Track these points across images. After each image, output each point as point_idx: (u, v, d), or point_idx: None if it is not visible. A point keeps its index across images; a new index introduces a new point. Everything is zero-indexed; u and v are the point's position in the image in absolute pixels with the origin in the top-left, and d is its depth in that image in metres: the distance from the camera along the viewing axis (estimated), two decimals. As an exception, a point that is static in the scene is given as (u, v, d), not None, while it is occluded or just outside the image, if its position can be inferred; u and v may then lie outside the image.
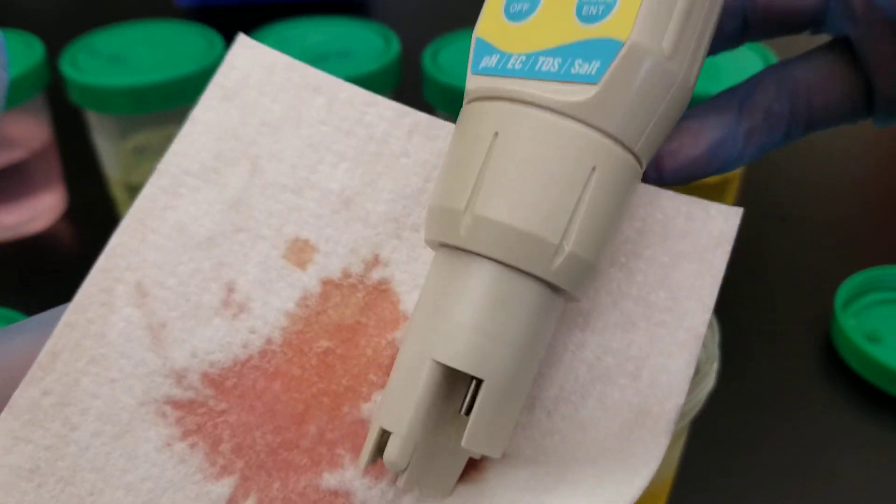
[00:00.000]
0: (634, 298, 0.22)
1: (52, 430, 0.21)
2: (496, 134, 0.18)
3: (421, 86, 0.48)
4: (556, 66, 0.18)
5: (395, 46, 0.49)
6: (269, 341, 0.22)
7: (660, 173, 0.23)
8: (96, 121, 0.49)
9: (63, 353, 0.21)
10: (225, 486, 0.21)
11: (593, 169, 0.18)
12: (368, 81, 0.47)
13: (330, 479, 0.21)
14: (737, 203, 0.51)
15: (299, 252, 0.23)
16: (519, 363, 0.19)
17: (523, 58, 0.19)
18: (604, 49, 0.18)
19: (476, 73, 0.20)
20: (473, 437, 0.18)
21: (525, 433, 0.21)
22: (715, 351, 0.27)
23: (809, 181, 0.58)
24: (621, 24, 0.18)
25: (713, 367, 0.27)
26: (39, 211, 0.54)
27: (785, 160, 0.60)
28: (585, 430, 0.21)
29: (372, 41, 0.50)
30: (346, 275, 0.23)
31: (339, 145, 0.24)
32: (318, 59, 0.48)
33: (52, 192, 0.55)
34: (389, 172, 0.24)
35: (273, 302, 0.23)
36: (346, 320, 0.23)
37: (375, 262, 0.23)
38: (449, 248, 0.19)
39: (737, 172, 0.49)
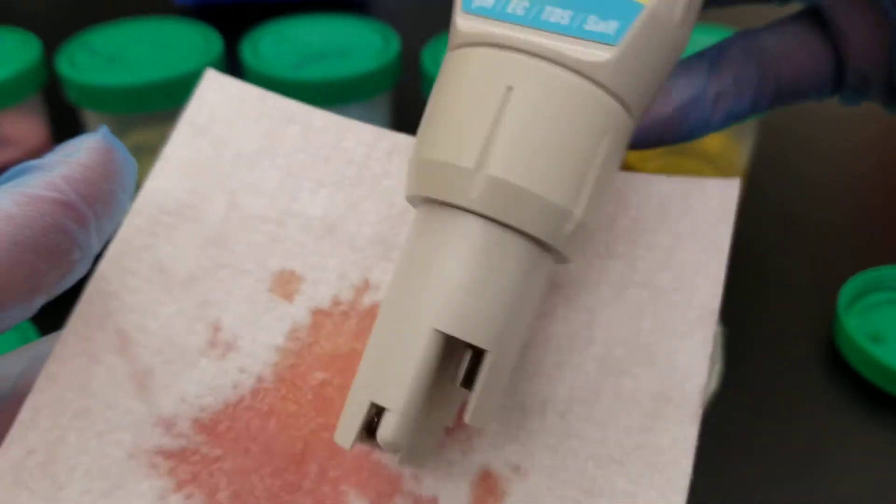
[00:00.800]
0: (638, 285, 0.22)
1: (38, 491, 0.19)
2: (510, 88, 0.17)
3: (420, 84, 0.48)
4: (567, 18, 0.17)
5: (395, 45, 0.49)
6: (260, 379, 0.21)
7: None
8: (93, 120, 0.49)
9: (45, 408, 0.20)
10: None
11: (605, 134, 0.18)
12: (367, 80, 0.47)
13: None
14: (739, 204, 0.51)
15: (285, 284, 0.22)
16: (518, 331, 0.18)
17: (526, 3, 0.17)
18: (622, 9, 0.17)
19: (469, 12, 0.18)
20: (477, 412, 0.17)
21: (540, 440, 0.21)
22: (718, 353, 0.27)
23: (812, 182, 0.57)
24: None
25: (716, 370, 0.27)
26: (36, 211, 0.53)
27: (787, 160, 0.59)
28: (605, 428, 0.21)
29: (371, 40, 0.50)
30: (336, 302, 0.22)
31: (318, 172, 0.23)
32: (316, 58, 0.48)
33: (49, 191, 0.54)
34: (372, 195, 0.23)
35: (261, 338, 0.22)
36: (341, 349, 0.22)
37: (366, 286, 0.22)
38: (440, 204, 0.18)
39: (740, 173, 0.49)
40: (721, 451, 0.38)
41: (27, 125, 0.52)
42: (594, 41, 0.17)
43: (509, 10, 0.17)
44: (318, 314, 0.22)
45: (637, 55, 0.17)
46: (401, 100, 0.53)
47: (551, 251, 0.18)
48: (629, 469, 0.20)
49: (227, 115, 0.24)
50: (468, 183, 0.17)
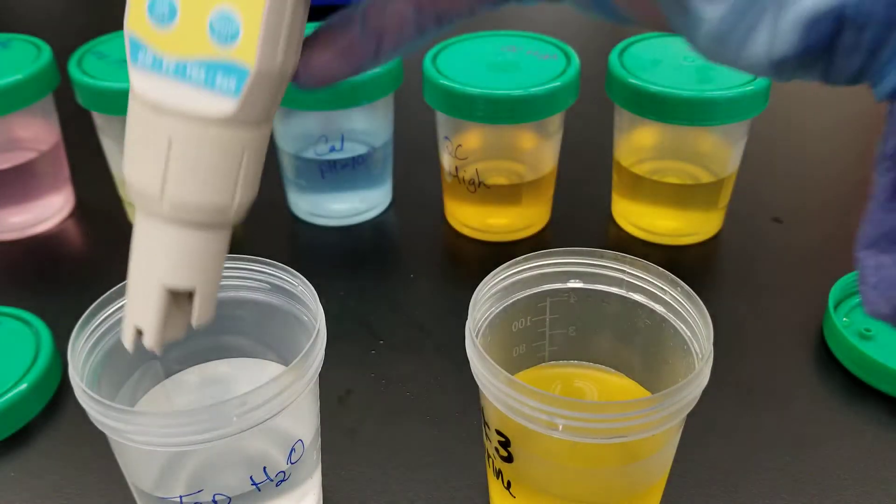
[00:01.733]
0: None
1: None
2: (170, 140, 0.23)
3: (421, 88, 0.49)
4: (203, 75, 0.22)
5: (397, 50, 0.50)
6: None
7: (297, 81, 0.24)
8: (103, 122, 0.50)
9: None
10: None
11: (244, 149, 0.23)
12: (371, 84, 0.48)
13: None
14: (731, 203, 0.52)
15: None
16: (215, 269, 0.26)
17: (174, 64, 0.22)
18: (237, 70, 0.22)
19: (136, 66, 0.23)
20: (199, 317, 0.25)
21: None
22: (709, 348, 0.28)
23: (802, 182, 0.58)
24: (247, 49, 0.22)
25: (707, 365, 0.28)
26: (47, 211, 0.55)
27: (778, 161, 0.60)
28: None
29: (374, 44, 0.51)
30: None
31: None
32: (321, 63, 0.49)
33: (59, 192, 0.55)
34: None
35: None
36: None
37: None
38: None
39: (731, 174, 0.50)
40: (711, 445, 0.39)
41: (39, 127, 0.53)
42: (224, 94, 0.22)
43: (164, 67, 0.22)
44: None
45: (255, 96, 0.23)
46: (403, 103, 0.54)
47: (227, 226, 0.25)
48: None
49: None
50: (158, 204, 0.24)
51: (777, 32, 0.18)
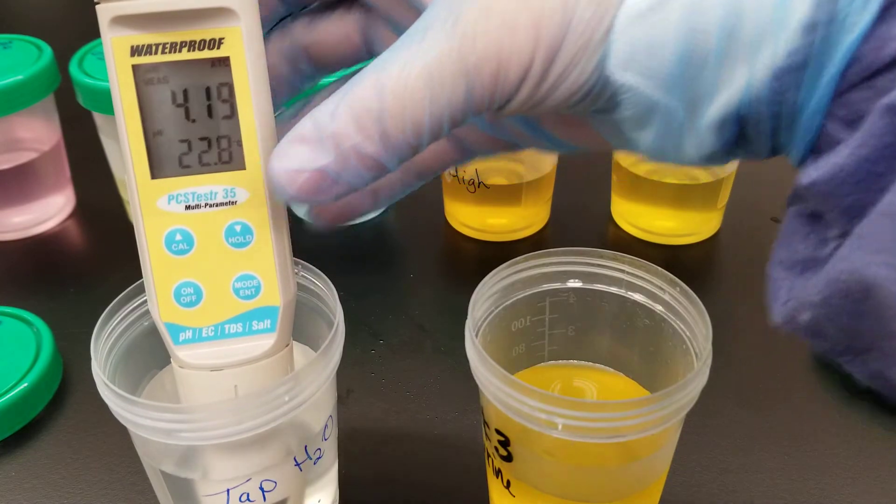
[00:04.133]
0: None
1: None
2: (236, 387, 0.27)
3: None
4: (241, 328, 0.26)
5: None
6: None
7: (314, 222, 0.28)
8: (104, 122, 0.50)
9: None
10: None
11: (289, 351, 0.28)
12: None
13: None
14: (730, 203, 0.52)
15: None
16: None
17: (213, 328, 0.26)
18: (268, 312, 0.26)
19: (180, 345, 0.26)
20: None
21: None
22: (708, 348, 0.28)
23: (803, 182, 0.58)
24: (271, 296, 0.26)
25: (706, 364, 0.28)
26: (48, 211, 0.55)
27: (777, 161, 0.60)
28: None
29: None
30: None
31: None
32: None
33: (60, 192, 0.55)
34: None
35: None
36: None
37: None
38: None
39: (730, 174, 0.50)
40: (710, 443, 0.39)
41: (40, 127, 0.53)
42: (262, 334, 0.26)
43: (204, 335, 0.26)
44: None
45: (287, 324, 0.27)
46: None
47: None
48: None
49: None
50: None
51: (699, 139, 0.21)
